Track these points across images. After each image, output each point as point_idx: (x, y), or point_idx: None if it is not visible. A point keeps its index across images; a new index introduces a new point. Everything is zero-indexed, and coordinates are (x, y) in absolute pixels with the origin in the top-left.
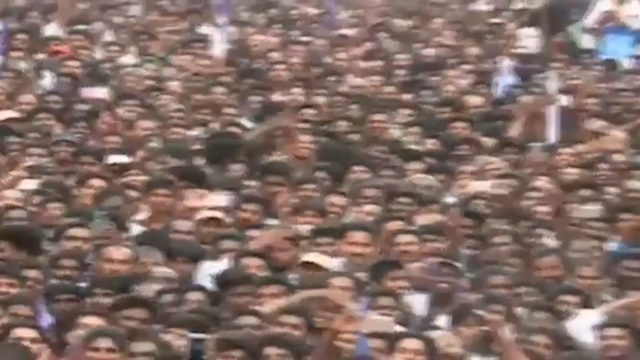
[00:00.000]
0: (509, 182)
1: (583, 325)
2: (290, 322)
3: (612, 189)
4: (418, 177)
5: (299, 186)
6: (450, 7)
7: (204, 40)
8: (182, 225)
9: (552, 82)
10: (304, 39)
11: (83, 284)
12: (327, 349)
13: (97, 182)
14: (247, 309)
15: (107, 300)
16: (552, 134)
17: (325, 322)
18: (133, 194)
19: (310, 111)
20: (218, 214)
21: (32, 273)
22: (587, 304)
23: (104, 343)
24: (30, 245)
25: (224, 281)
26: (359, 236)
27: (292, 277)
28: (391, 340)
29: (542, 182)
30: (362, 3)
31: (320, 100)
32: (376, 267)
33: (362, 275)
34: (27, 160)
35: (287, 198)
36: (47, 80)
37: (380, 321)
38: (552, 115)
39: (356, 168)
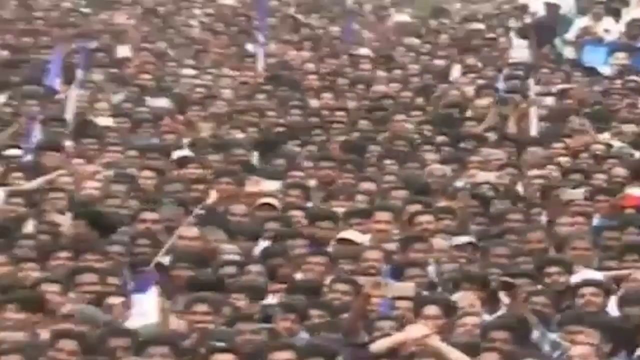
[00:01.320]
0: (508, 171)
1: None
2: (340, 289)
3: (598, 175)
4: (433, 167)
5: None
6: (452, 26)
7: (250, 55)
8: (238, 208)
9: (534, 87)
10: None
11: (165, 258)
12: (360, 310)
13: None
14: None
15: (188, 272)
16: (534, 129)
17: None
18: (195, 183)
19: (341, 113)
20: (271, 200)
21: (115, 248)
22: (570, 273)
23: (201, 307)
24: (106, 226)
25: (270, 254)
26: (384, 216)
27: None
28: (415, 303)
29: (537, 170)
30: (383, 26)
31: (349, 104)
32: (403, 241)
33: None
34: (105, 157)
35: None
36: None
37: (403, 286)
38: (534, 115)
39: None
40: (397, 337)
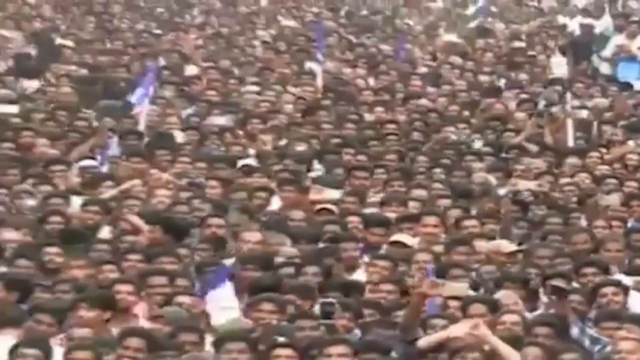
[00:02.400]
0: (547, 179)
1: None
2: (386, 289)
3: (629, 182)
4: (477, 175)
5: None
6: (496, 45)
7: (309, 72)
8: (297, 214)
9: (572, 101)
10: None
11: (230, 260)
12: (416, 308)
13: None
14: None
15: (253, 274)
16: (570, 140)
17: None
18: (259, 191)
19: (392, 125)
20: (329, 205)
21: (184, 251)
22: (607, 273)
23: (268, 306)
24: (179, 231)
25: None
26: (432, 220)
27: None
28: (464, 303)
29: (575, 178)
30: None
31: (400, 117)
32: (449, 244)
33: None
34: (175, 167)
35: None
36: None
37: (458, 287)
38: (570, 126)
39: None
40: (442, 334)
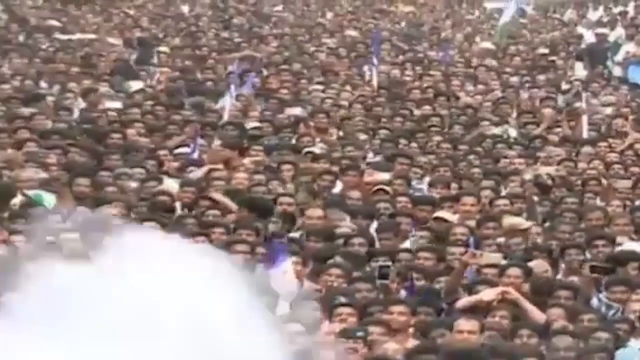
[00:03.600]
0: (566, 164)
1: None
2: (424, 256)
3: (634, 168)
4: (505, 161)
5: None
6: (524, 51)
7: (366, 74)
8: (354, 194)
9: (587, 99)
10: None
11: (297, 234)
12: (459, 274)
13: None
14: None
15: (315, 245)
16: (585, 132)
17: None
18: (325, 174)
19: (436, 119)
20: (385, 187)
21: (259, 225)
22: (614, 245)
23: (335, 271)
24: (263, 209)
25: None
26: (469, 200)
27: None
28: (501, 268)
29: (591, 164)
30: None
31: (443, 112)
32: (480, 220)
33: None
34: (253, 154)
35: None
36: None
37: (493, 256)
38: (585, 121)
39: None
40: (477, 297)
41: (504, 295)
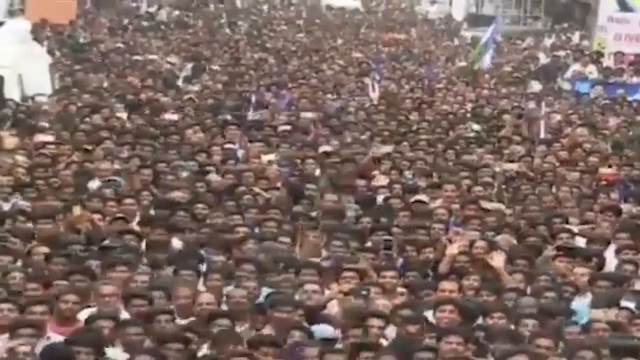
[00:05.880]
0: (525, 160)
1: None
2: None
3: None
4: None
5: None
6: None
7: (366, 88)
8: (361, 182)
9: (544, 108)
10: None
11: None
12: (442, 248)
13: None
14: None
15: (330, 222)
16: (543, 133)
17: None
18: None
19: (424, 123)
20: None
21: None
22: (567, 222)
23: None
24: (297, 195)
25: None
26: (449, 187)
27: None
28: (471, 242)
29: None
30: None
31: (429, 117)
32: (463, 203)
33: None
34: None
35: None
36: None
37: (471, 234)
38: (542, 124)
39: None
40: (445, 258)
41: (488, 261)
